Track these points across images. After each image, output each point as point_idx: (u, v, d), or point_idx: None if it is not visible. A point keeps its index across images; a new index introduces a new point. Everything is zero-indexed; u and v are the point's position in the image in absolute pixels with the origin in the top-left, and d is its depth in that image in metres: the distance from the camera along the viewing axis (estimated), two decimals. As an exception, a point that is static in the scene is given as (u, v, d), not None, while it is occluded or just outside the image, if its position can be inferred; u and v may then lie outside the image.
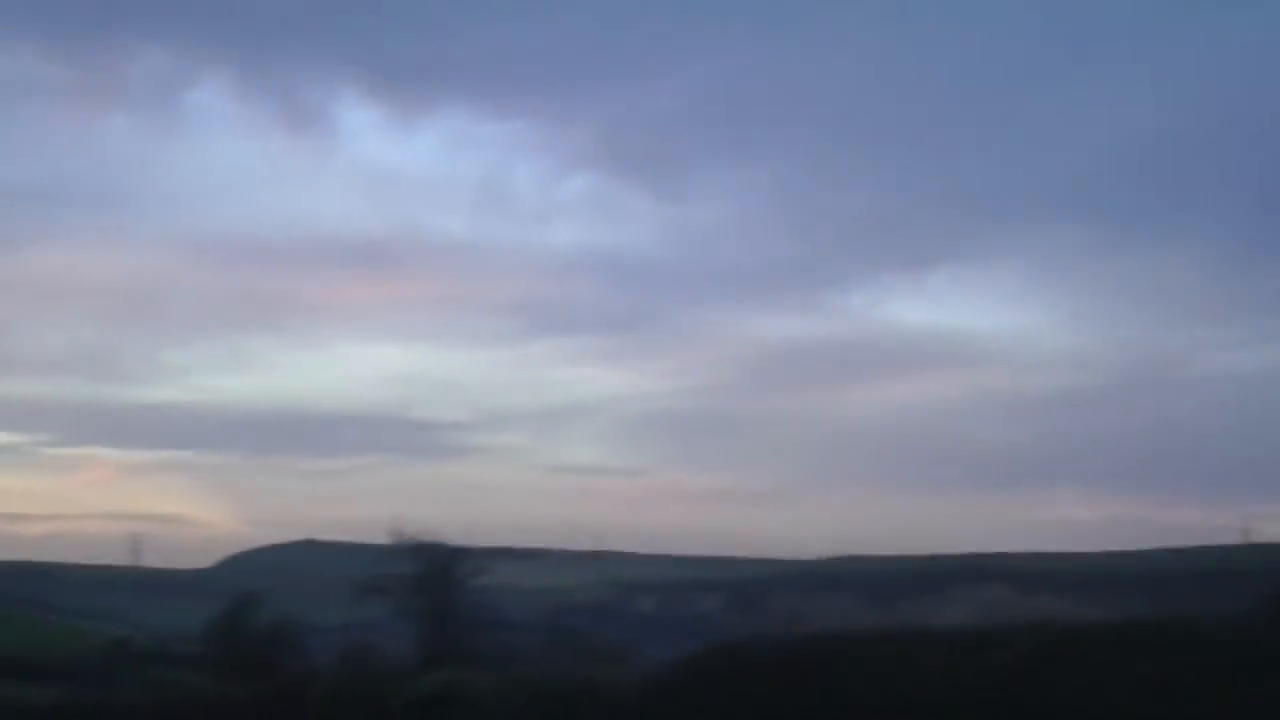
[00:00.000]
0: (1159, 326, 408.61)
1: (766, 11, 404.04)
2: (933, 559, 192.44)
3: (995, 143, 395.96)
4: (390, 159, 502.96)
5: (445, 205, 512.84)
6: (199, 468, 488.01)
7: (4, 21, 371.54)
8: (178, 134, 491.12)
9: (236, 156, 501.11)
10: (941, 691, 19.55)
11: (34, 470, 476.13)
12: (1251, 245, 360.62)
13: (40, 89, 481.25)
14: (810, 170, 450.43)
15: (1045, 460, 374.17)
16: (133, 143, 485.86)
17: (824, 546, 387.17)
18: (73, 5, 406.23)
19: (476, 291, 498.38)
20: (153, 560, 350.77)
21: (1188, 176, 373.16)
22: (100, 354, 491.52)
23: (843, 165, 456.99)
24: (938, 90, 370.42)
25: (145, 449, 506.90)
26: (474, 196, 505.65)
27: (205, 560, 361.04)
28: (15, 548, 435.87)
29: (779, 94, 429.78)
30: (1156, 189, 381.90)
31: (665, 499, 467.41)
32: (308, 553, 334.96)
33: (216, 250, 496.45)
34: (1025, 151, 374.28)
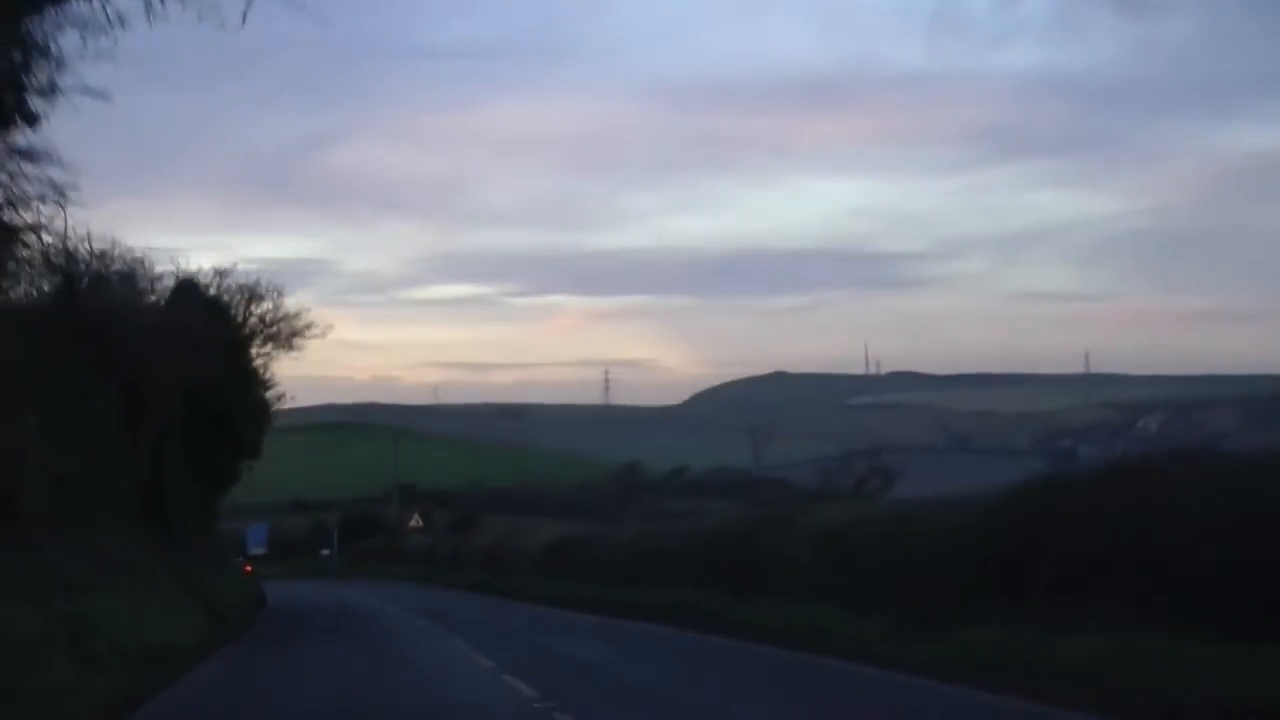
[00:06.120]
0: None
1: None
2: None
3: None
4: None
5: (898, 35, 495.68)
6: (662, 311, 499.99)
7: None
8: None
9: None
10: None
11: (503, 319, 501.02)
12: None
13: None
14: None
15: None
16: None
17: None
18: None
19: (932, 121, 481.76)
20: (621, 400, 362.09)
21: None
22: (562, 203, 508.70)
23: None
24: None
25: (609, 295, 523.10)
26: (927, 24, 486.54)
27: (673, 399, 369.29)
28: (488, 393, 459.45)
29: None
30: None
31: (1145, 320, 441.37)
32: (777, 385, 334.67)
33: (670, 94, 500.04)
34: None
